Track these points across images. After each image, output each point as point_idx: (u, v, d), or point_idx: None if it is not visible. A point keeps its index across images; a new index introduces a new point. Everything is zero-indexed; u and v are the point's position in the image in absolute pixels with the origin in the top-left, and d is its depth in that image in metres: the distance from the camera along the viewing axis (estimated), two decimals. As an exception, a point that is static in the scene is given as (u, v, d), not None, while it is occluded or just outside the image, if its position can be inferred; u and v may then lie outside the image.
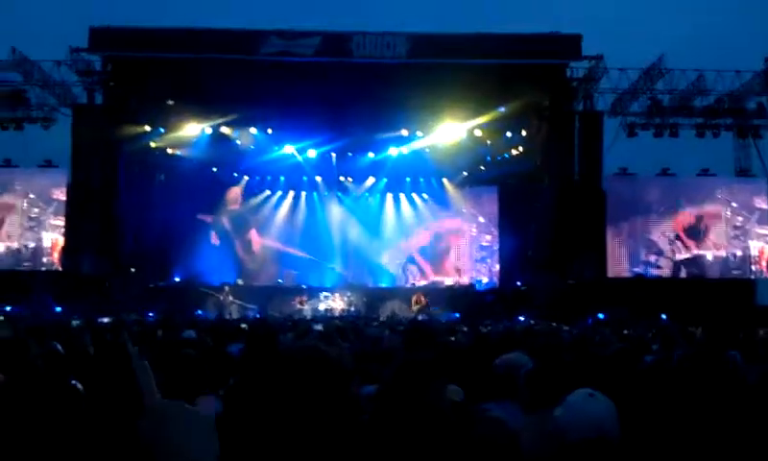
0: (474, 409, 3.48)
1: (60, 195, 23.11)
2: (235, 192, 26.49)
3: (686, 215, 23.76)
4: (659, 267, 23.72)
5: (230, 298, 23.16)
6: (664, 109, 22.95)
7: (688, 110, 23.19)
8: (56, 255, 23.06)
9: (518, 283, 24.11)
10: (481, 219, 26.32)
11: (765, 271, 23.68)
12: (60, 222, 22.97)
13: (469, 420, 2.88)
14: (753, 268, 23.69)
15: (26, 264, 23.46)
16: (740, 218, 23.83)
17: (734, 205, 23.83)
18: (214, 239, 25.92)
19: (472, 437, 2.04)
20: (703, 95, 22.88)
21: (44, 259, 23.34)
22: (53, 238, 23.21)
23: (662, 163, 24.06)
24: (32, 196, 23.53)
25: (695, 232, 23.70)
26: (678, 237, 23.67)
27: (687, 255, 23.69)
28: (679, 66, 22.23)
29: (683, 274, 23.67)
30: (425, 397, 2.78)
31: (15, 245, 23.65)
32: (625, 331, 11.22)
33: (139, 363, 3.58)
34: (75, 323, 11.49)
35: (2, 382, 3.57)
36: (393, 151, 24.83)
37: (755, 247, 23.74)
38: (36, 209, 23.54)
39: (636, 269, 23.64)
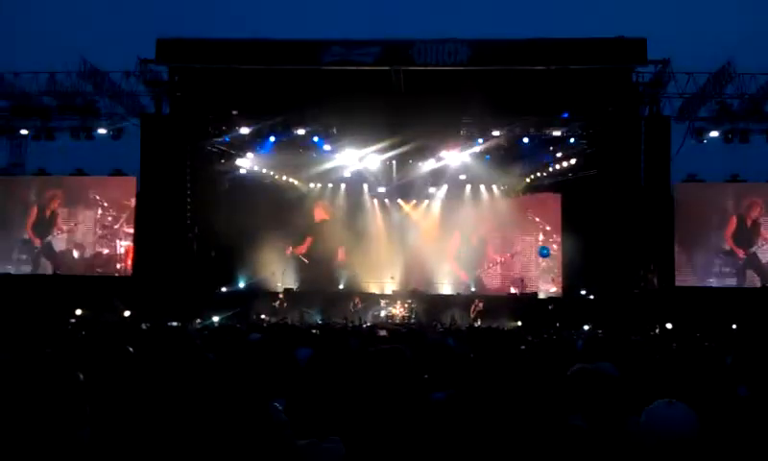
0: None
1: (133, 203, 23.92)
2: (322, 206, 26.90)
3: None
4: (734, 277, 23.08)
5: (286, 304, 23.31)
6: (734, 113, 22.31)
7: (759, 115, 22.50)
8: (129, 262, 23.86)
9: (582, 292, 23.72)
10: (547, 227, 25.95)
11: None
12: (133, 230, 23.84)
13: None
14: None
15: (99, 270, 24.31)
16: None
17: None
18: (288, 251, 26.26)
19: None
20: (774, 99, 22.18)
21: (118, 266, 24.20)
22: (126, 245, 24.04)
23: (732, 169, 23.40)
24: (105, 204, 24.41)
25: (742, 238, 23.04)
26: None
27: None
28: (748, 70, 21.63)
29: (751, 282, 22.95)
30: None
31: (89, 252, 24.59)
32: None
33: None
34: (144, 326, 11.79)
35: None
36: (453, 157, 24.68)
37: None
38: (110, 218, 24.43)
39: (710, 280, 23.04)
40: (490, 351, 4.23)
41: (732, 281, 23.05)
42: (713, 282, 23.03)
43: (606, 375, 4.35)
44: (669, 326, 19.50)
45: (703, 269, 23.16)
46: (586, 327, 19.46)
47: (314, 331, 10.11)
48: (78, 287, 22.36)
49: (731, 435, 3.28)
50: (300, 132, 23.14)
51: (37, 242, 24.71)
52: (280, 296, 23.70)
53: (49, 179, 25.21)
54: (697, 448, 2.70)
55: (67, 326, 11.00)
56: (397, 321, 22.36)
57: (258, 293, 23.80)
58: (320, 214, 27.06)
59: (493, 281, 26.53)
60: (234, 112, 22.84)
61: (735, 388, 5.04)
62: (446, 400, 3.97)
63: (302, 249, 26.79)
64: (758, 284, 22.84)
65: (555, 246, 25.57)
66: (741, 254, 23.03)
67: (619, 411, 3.79)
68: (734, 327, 18.74)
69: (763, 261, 23.03)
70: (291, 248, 26.34)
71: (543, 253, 24.11)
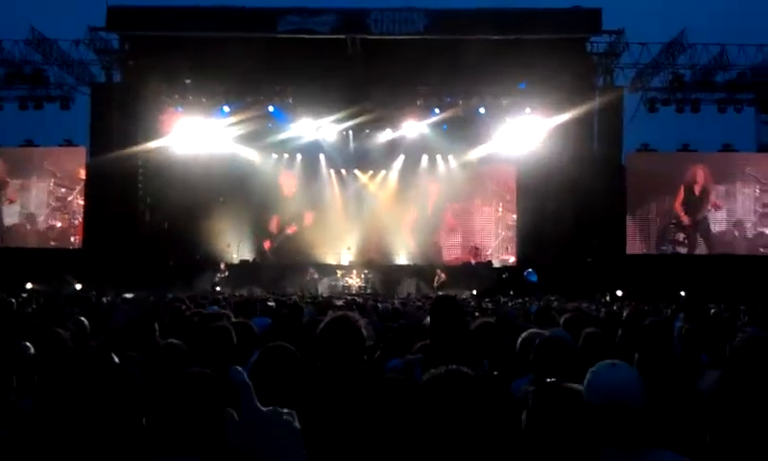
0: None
1: (83, 174, 23.46)
2: (289, 178, 26.59)
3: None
4: (685, 245, 23.60)
5: (227, 274, 22.95)
6: (686, 84, 22.67)
7: (710, 85, 22.91)
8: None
9: (535, 261, 23.99)
10: (507, 197, 26.13)
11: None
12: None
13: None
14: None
15: (53, 243, 23.84)
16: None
17: (764, 181, 23.62)
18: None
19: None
20: (725, 70, 22.60)
21: (72, 239, 23.75)
22: (81, 217, 23.60)
23: (683, 139, 23.84)
24: (58, 175, 23.89)
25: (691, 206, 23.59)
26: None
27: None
28: (701, 41, 21.99)
29: (701, 249, 23.52)
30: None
31: (43, 225, 24.08)
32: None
33: None
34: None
35: None
36: (410, 128, 24.64)
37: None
38: (63, 189, 23.92)
39: (662, 248, 23.52)
40: (447, 319, 4.26)
41: (683, 249, 23.58)
42: (667, 250, 23.53)
43: (559, 340, 4.44)
44: (619, 292, 19.89)
45: (655, 237, 23.63)
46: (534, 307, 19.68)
47: (270, 304, 10.08)
48: (29, 261, 21.85)
49: (674, 398, 3.36)
50: (255, 101, 22.84)
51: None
52: (222, 267, 23.39)
53: (-3, 150, 24.56)
54: (641, 410, 2.75)
55: (17, 299, 10.76)
56: (353, 291, 22.37)
57: (210, 265, 23.51)
58: (288, 188, 26.76)
59: (452, 252, 26.70)
60: (187, 81, 22.45)
61: (687, 353, 5.19)
62: (404, 367, 4.01)
63: (273, 234, 26.61)
64: (705, 252, 23.41)
65: (513, 216, 25.75)
66: (689, 221, 23.54)
67: (570, 376, 3.88)
68: (682, 293, 19.19)
69: (712, 230, 23.59)
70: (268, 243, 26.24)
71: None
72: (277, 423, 1.62)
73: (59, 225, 24.06)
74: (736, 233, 23.54)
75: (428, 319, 4.57)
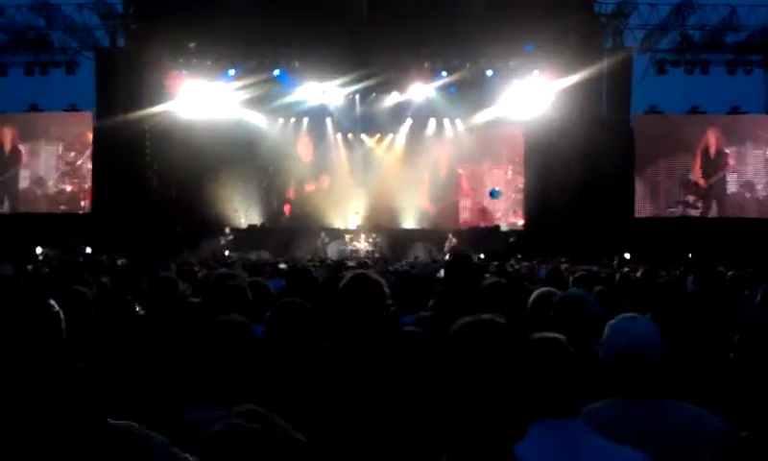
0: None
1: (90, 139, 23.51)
2: (306, 143, 26.51)
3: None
4: (696, 207, 23.57)
5: (232, 238, 23.01)
6: (695, 45, 22.47)
7: (720, 47, 22.70)
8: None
9: (543, 225, 23.99)
10: (516, 159, 26.01)
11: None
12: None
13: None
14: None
15: (63, 208, 23.95)
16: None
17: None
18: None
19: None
20: (735, 31, 22.37)
21: (82, 203, 23.84)
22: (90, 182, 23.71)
23: (692, 101, 23.70)
24: (67, 140, 23.94)
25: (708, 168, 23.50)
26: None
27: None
28: (710, 2, 21.70)
29: (713, 212, 23.49)
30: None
31: (53, 189, 24.17)
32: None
33: None
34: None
35: None
36: (417, 91, 24.47)
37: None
38: (72, 154, 23.97)
39: (672, 210, 23.48)
40: (461, 277, 4.28)
41: (694, 212, 23.54)
42: (676, 212, 23.50)
43: (579, 298, 4.48)
44: (627, 255, 19.90)
45: (664, 200, 23.60)
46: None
47: (281, 266, 10.15)
48: (39, 225, 21.96)
49: (693, 356, 3.38)
50: (260, 64, 22.70)
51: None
52: (227, 231, 23.43)
53: (4, 116, 24.53)
54: (659, 363, 2.77)
55: (27, 264, 10.84)
56: (362, 256, 22.42)
57: (217, 230, 23.55)
58: (306, 156, 26.71)
59: (462, 215, 26.67)
60: (192, 45, 22.31)
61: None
62: (418, 322, 4.05)
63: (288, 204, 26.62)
64: (716, 214, 23.39)
65: (523, 179, 25.65)
66: (704, 184, 23.49)
67: (588, 332, 3.93)
68: (690, 256, 19.20)
69: (728, 191, 23.55)
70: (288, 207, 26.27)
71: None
72: None
73: (68, 189, 24.18)
74: (747, 195, 23.51)
75: (441, 272, 4.62)
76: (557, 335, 2.57)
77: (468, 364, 1.70)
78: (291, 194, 26.72)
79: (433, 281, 5.22)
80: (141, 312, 4.56)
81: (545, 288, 4.91)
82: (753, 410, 2.13)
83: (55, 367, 2.81)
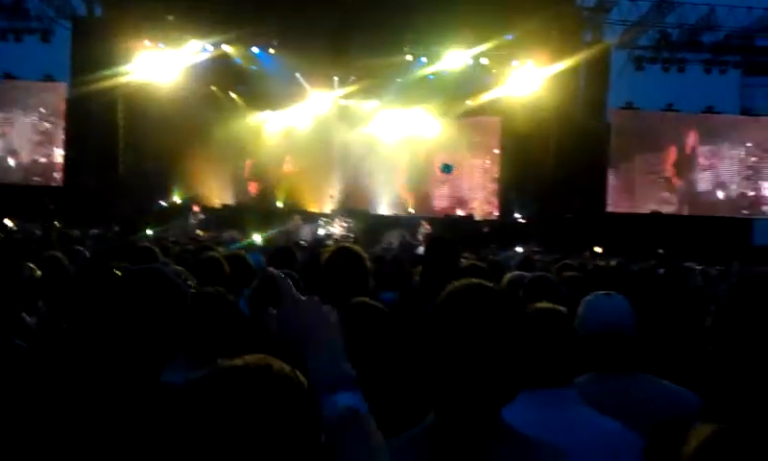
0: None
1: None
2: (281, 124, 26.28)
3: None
4: (670, 204, 23.86)
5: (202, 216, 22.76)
6: (673, 43, 22.69)
7: (697, 46, 22.96)
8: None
9: (516, 215, 24.17)
10: (495, 150, 26.00)
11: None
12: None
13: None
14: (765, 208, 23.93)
15: (36, 179, 23.57)
16: (754, 158, 23.89)
17: (749, 144, 23.86)
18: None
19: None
20: (712, 31, 22.63)
21: (56, 175, 23.48)
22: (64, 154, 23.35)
23: (667, 98, 23.95)
24: (42, 110, 23.50)
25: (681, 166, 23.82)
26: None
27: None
28: (690, 0, 21.92)
29: (685, 210, 23.82)
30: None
31: (26, 160, 23.76)
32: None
33: None
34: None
35: None
36: (397, 77, 24.41)
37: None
38: (48, 125, 23.57)
39: (648, 206, 23.75)
40: (441, 258, 4.32)
41: (668, 209, 23.84)
42: (649, 209, 23.78)
43: (547, 278, 4.54)
44: (599, 249, 20.12)
45: (638, 195, 23.88)
46: (519, 250, 19.88)
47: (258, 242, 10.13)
48: (10, 197, 21.58)
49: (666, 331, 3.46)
50: (239, 40, 22.48)
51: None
52: (196, 209, 23.15)
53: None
54: (632, 339, 2.84)
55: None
56: (336, 239, 22.37)
57: (189, 208, 23.32)
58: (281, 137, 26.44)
59: (439, 203, 26.66)
60: (170, 18, 22.01)
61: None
62: (398, 299, 4.08)
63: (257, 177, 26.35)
64: (695, 212, 23.72)
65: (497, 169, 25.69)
66: (678, 181, 23.79)
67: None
68: (660, 251, 19.45)
69: (700, 190, 23.87)
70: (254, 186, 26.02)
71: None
72: (317, 309, 1.66)
73: (42, 160, 23.79)
74: (721, 195, 23.87)
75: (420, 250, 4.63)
76: (558, 307, 2.60)
77: (461, 324, 1.73)
78: (264, 174, 26.51)
79: (411, 260, 5.25)
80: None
81: (517, 271, 4.99)
82: (727, 382, 2.18)
83: (38, 327, 2.81)
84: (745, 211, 23.78)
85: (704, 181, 23.88)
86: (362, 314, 2.92)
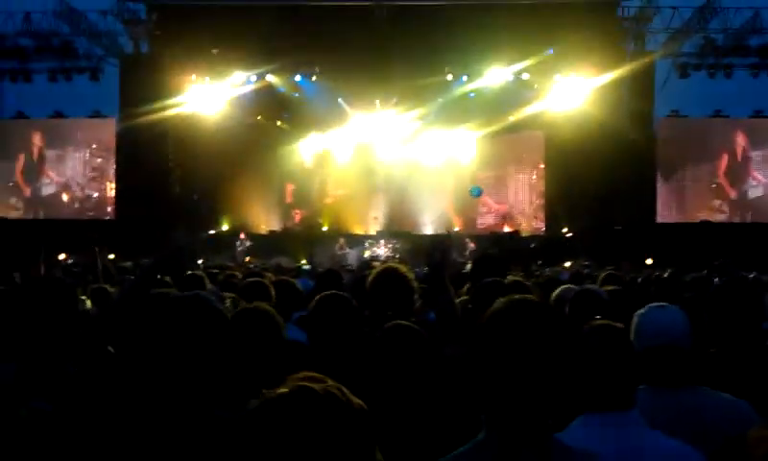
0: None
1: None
2: (325, 150, 26.45)
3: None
4: (722, 212, 23.32)
5: (246, 246, 22.92)
6: (718, 48, 22.29)
7: (743, 50, 22.50)
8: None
9: (564, 230, 23.87)
10: (541, 165, 25.71)
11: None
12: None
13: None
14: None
15: (90, 214, 24.20)
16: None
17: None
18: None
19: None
20: (758, 33, 22.19)
21: (108, 209, 24.08)
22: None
23: (715, 105, 23.51)
24: (94, 146, 24.18)
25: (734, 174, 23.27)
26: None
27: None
28: (733, 4, 21.55)
29: (739, 217, 23.25)
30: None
31: (79, 195, 24.42)
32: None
33: None
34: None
35: None
36: (439, 97, 24.43)
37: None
38: (99, 159, 24.22)
39: (698, 214, 23.24)
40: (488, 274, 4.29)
41: (720, 217, 23.29)
42: (701, 218, 23.26)
43: (591, 291, 4.46)
44: (649, 261, 19.72)
45: (690, 205, 23.39)
46: (567, 265, 19.61)
47: (305, 267, 10.19)
48: (64, 232, 22.16)
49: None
50: (282, 70, 22.82)
51: (27, 189, 24.49)
52: (242, 236, 23.37)
53: (31, 121, 24.84)
54: (688, 350, 2.76)
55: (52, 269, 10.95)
56: (382, 261, 22.37)
57: (237, 235, 23.60)
58: (325, 162, 26.59)
59: (485, 220, 26.47)
60: (214, 51, 22.47)
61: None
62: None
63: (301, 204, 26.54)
64: (749, 219, 23.14)
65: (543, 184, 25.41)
66: (731, 189, 23.25)
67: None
68: (716, 263, 18.95)
69: (754, 196, 23.29)
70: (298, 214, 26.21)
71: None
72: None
73: (95, 195, 24.44)
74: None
75: (468, 267, 4.62)
76: (614, 323, 2.52)
77: (507, 340, 1.71)
78: (308, 200, 26.71)
79: (458, 277, 5.22)
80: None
81: (566, 286, 4.92)
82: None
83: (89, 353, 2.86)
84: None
85: (756, 188, 23.28)
86: (397, 336, 2.91)
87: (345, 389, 1.34)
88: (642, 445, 2.24)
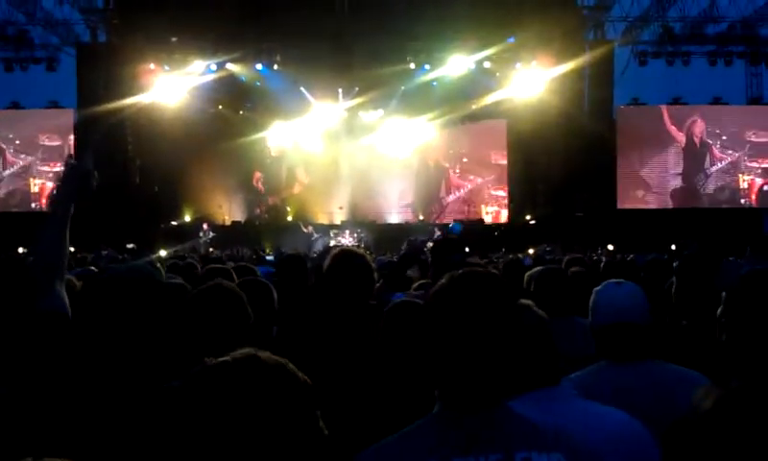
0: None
1: (46, 140, 23.25)
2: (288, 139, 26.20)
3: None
4: (680, 198, 23.71)
5: (208, 237, 22.76)
6: (676, 36, 22.62)
7: (701, 38, 22.87)
8: (44, 201, 23.44)
9: (527, 218, 24.07)
10: (502, 152, 25.77)
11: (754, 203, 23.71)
12: (47, 168, 23.19)
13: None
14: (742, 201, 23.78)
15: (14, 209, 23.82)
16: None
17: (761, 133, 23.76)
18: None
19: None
20: (715, 22, 22.56)
21: (33, 205, 23.65)
22: (39, 183, 23.48)
23: (674, 93, 23.85)
24: (48, 137, 23.79)
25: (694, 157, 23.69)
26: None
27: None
28: (690, -8, 21.89)
29: (698, 203, 23.66)
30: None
31: (36, 187, 23.97)
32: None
33: None
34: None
35: None
36: (401, 86, 24.43)
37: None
38: (56, 151, 23.81)
39: (660, 199, 23.59)
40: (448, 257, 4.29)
41: (679, 203, 23.66)
42: (669, 204, 23.64)
43: (555, 269, 4.50)
44: (611, 247, 19.98)
45: (649, 191, 23.72)
46: (531, 251, 19.77)
47: (268, 258, 10.12)
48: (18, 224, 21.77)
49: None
50: (243, 58, 22.61)
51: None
52: (205, 227, 23.16)
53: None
54: (645, 326, 2.79)
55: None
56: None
57: (197, 226, 23.37)
58: (288, 152, 26.38)
59: (449, 208, 26.53)
60: (173, 39, 22.15)
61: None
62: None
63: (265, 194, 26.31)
64: (704, 204, 23.56)
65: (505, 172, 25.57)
66: (689, 174, 23.62)
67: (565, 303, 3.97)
68: (673, 247, 19.29)
69: (713, 182, 23.69)
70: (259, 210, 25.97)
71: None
72: None
73: (51, 186, 23.97)
74: (733, 186, 23.69)
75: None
76: (529, 303, 2.49)
77: (457, 309, 1.71)
78: (273, 189, 26.54)
79: (419, 257, 5.22)
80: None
81: (537, 267, 4.96)
82: (740, 366, 2.15)
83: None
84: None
85: (715, 174, 23.70)
86: (403, 313, 2.92)
87: (290, 363, 1.32)
88: (575, 412, 2.25)
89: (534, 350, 2.30)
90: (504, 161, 25.75)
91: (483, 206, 26.06)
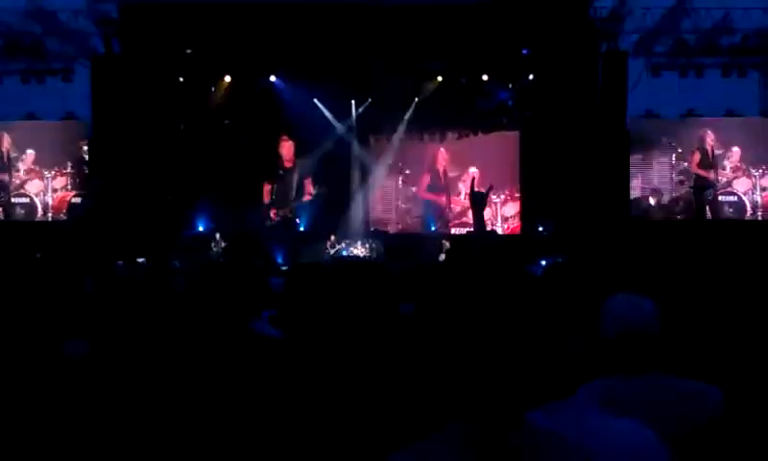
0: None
1: (62, 152, 23.62)
2: (287, 148, 26.16)
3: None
4: (694, 209, 23.61)
5: (220, 247, 22.80)
6: (690, 48, 22.56)
7: (714, 50, 22.79)
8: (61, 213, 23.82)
9: (540, 229, 24.02)
10: (513, 164, 25.69)
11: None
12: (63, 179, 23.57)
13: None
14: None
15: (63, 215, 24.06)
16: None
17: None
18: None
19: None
20: (729, 34, 22.48)
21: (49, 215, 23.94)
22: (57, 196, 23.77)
23: (687, 104, 23.76)
24: (67, 149, 24.02)
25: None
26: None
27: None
28: (704, 5, 21.79)
29: (710, 214, 23.55)
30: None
31: (57, 198, 24.18)
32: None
33: None
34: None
35: None
36: (413, 96, 24.46)
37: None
38: (70, 162, 23.99)
39: (672, 211, 23.47)
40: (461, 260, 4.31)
41: (692, 214, 23.55)
42: (680, 216, 23.54)
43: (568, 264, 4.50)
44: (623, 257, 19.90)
45: (663, 202, 23.65)
46: (543, 263, 19.71)
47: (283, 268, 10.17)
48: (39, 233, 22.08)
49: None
50: (257, 71, 22.74)
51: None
52: (217, 237, 23.20)
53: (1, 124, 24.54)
54: (657, 338, 2.79)
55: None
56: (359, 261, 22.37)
57: (210, 237, 23.46)
58: (301, 162, 26.39)
59: (460, 219, 26.44)
60: (188, 51, 22.29)
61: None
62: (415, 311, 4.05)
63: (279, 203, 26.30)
64: (717, 217, 23.45)
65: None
66: (704, 184, 23.51)
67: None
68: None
69: (724, 193, 23.58)
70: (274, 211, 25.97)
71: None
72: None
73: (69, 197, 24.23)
74: (746, 199, 23.56)
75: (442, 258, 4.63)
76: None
77: (477, 324, 1.73)
78: (286, 200, 26.56)
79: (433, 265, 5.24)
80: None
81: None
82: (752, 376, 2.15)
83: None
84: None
85: (725, 186, 23.59)
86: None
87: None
88: (588, 423, 2.25)
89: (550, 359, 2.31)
90: (516, 173, 25.68)
91: (495, 218, 26.00)
